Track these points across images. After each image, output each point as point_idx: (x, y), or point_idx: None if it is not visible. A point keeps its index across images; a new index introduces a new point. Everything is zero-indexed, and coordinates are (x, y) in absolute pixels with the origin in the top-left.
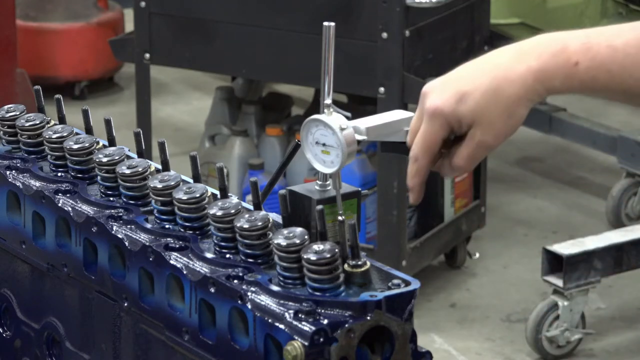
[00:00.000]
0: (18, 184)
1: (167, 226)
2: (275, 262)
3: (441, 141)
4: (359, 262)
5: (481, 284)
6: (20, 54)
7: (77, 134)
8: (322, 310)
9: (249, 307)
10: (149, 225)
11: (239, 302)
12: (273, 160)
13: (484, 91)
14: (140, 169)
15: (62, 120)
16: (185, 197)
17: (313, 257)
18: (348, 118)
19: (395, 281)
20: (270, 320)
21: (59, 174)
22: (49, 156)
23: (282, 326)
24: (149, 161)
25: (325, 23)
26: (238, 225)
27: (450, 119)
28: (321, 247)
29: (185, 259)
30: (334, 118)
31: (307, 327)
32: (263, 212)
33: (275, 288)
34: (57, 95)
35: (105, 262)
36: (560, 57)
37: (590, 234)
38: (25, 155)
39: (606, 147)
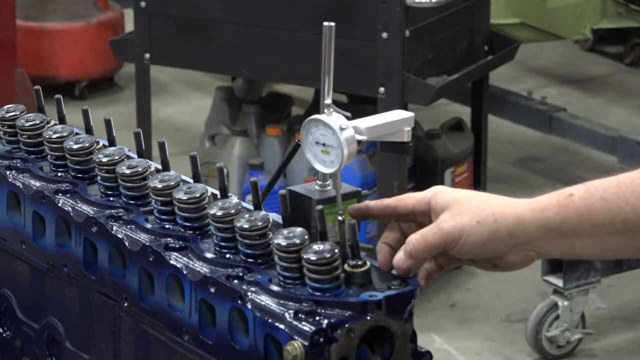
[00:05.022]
0: (18, 184)
1: (167, 226)
2: (275, 262)
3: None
4: (359, 262)
5: (481, 284)
6: (20, 54)
7: (77, 134)
8: (322, 310)
9: (249, 307)
10: (149, 225)
11: (239, 302)
12: (273, 160)
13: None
14: (140, 169)
15: (62, 120)
16: (185, 197)
17: (313, 257)
18: (348, 118)
19: (395, 281)
20: (270, 320)
21: (59, 174)
22: (49, 156)
23: (282, 326)
24: (149, 161)
25: (325, 23)
26: (238, 225)
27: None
28: (321, 247)
29: (185, 259)
30: (334, 118)
31: (307, 327)
32: (263, 212)
33: (275, 288)
34: (57, 95)
35: (105, 262)
36: (555, 192)
37: None
38: (25, 155)
39: (606, 147)
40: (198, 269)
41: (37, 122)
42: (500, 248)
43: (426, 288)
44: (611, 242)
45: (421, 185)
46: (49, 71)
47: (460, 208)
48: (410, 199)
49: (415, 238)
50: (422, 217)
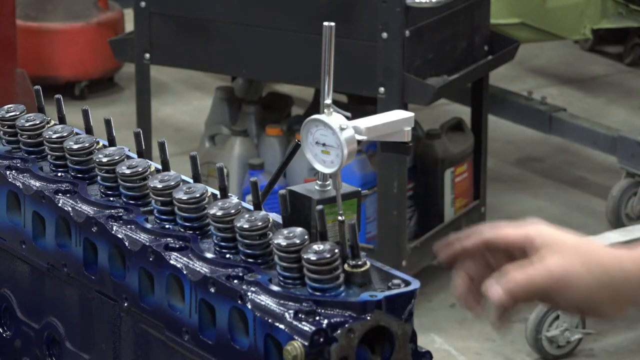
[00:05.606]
0: (18, 184)
1: (167, 226)
2: (275, 262)
3: None
4: (359, 262)
5: None
6: (20, 54)
7: (77, 134)
8: (322, 310)
9: (249, 307)
10: (149, 225)
11: (239, 302)
12: (273, 160)
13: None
14: (140, 169)
15: (62, 120)
16: (185, 197)
17: (313, 257)
18: (348, 118)
19: (395, 281)
20: (270, 320)
21: (59, 174)
22: (49, 156)
23: (282, 326)
24: (149, 161)
25: (325, 23)
26: (238, 225)
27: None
28: (321, 247)
29: (185, 259)
30: (334, 118)
31: (307, 327)
32: (263, 212)
33: (275, 288)
34: (57, 95)
35: (105, 262)
36: None
37: (590, 234)
38: (25, 155)
39: (606, 147)
40: (198, 269)
41: (37, 122)
42: (604, 300)
43: (502, 329)
44: None
45: (421, 185)
46: (49, 71)
47: (567, 251)
48: (511, 234)
49: (519, 277)
50: (516, 250)
